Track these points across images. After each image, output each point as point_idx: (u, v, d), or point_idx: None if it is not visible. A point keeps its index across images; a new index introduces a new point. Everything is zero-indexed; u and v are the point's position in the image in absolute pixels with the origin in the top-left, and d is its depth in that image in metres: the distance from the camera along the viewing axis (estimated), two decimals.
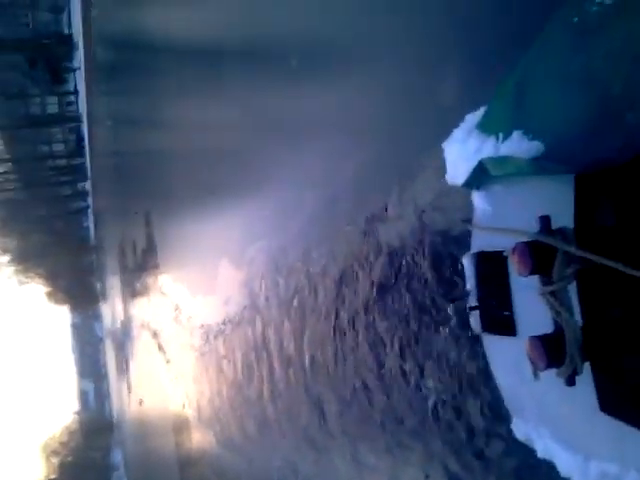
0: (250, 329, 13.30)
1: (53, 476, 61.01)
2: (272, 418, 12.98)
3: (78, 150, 49.40)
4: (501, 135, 3.25)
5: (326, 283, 9.96)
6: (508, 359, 3.69)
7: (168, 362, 26.41)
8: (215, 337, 17.06)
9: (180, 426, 24.81)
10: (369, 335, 8.53)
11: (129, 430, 51.36)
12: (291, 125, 10.29)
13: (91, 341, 77.98)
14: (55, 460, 63.00)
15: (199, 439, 21.57)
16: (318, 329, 10.11)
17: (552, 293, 2.71)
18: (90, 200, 57.01)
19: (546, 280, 2.73)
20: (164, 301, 25.47)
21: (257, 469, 14.56)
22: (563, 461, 3.33)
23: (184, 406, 23.37)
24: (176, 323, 23.10)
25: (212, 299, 16.83)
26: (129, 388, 47.49)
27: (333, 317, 9.60)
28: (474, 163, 3.39)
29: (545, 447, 3.49)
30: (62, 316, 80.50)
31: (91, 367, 78.38)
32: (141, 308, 34.39)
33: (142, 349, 36.99)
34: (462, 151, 3.63)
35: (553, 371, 2.79)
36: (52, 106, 47.02)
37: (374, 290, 8.42)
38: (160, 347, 27.97)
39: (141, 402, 39.19)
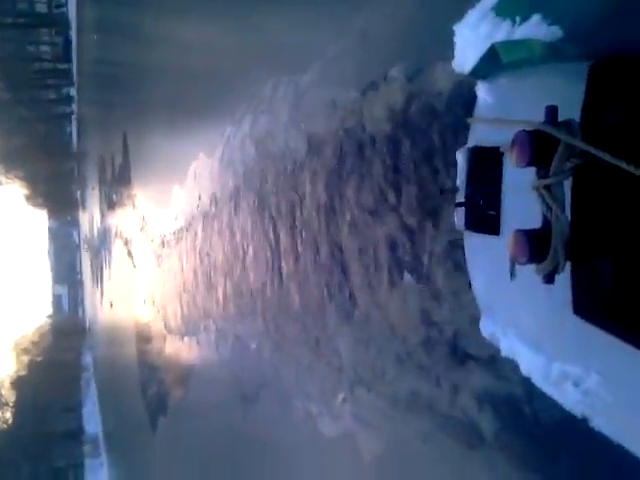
0: (192, 237, 18.68)
1: (23, 373, 66.38)
2: (200, 308, 18.47)
3: (65, 54, 51.48)
4: (518, 19, 3.16)
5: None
6: (487, 258, 3.89)
7: (135, 267, 31.95)
8: (168, 244, 22.51)
9: (141, 325, 30.52)
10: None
11: (100, 334, 56.92)
12: (275, 50, 11.25)
13: (68, 247, 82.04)
14: (25, 358, 68.40)
15: (155, 331, 27.35)
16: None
17: (546, 187, 2.75)
18: (74, 106, 59.62)
19: (542, 173, 2.77)
20: (134, 213, 30.56)
21: (202, 361, 20.22)
22: (525, 360, 3.54)
23: (144, 302, 29.12)
24: (142, 232, 28.46)
25: (167, 212, 22.03)
26: (102, 293, 52.99)
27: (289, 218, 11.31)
28: (484, 48, 3.39)
29: (509, 346, 3.71)
30: (40, 221, 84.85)
31: (67, 273, 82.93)
32: (116, 218, 39.26)
33: (115, 256, 42.32)
34: (474, 35, 3.59)
35: (529, 273, 2.92)
36: (41, 6, 49.03)
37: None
38: (129, 253, 33.35)
39: (111, 304, 45.02)
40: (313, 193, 9.99)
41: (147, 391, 27.65)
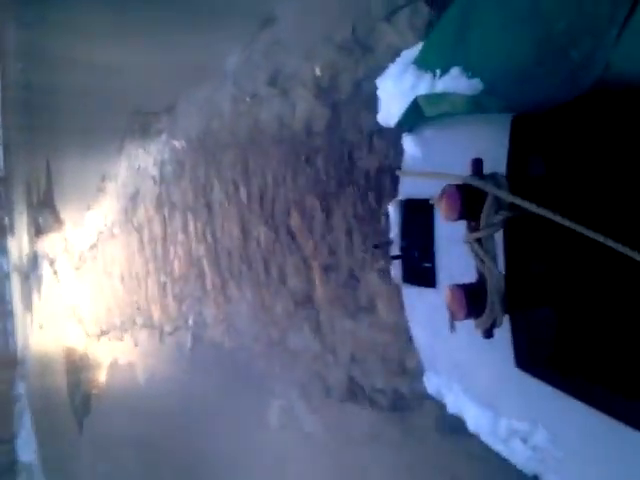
0: (103, 250, 23.55)
1: None
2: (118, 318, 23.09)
3: None
4: (438, 71, 3.38)
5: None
6: (425, 312, 4.14)
7: (59, 282, 36.19)
8: (85, 258, 27.19)
9: (67, 338, 34.44)
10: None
11: (32, 361, 59.28)
12: (198, 72, 12.50)
13: None
14: None
15: (78, 340, 31.59)
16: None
17: (478, 241, 2.87)
18: (0, 131, 62.54)
19: (473, 227, 2.91)
20: (59, 235, 34.73)
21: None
22: (473, 417, 3.70)
23: (68, 316, 33.36)
24: (64, 251, 32.88)
25: (84, 230, 26.67)
26: (32, 318, 55.82)
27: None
28: (408, 101, 3.54)
29: (456, 402, 3.89)
30: None
31: None
32: (42, 241, 42.95)
33: (43, 277, 45.90)
34: (396, 88, 3.79)
35: (469, 326, 3.02)
36: None
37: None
38: (55, 272, 37.47)
39: (41, 326, 48.30)
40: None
41: (74, 399, 31.61)
